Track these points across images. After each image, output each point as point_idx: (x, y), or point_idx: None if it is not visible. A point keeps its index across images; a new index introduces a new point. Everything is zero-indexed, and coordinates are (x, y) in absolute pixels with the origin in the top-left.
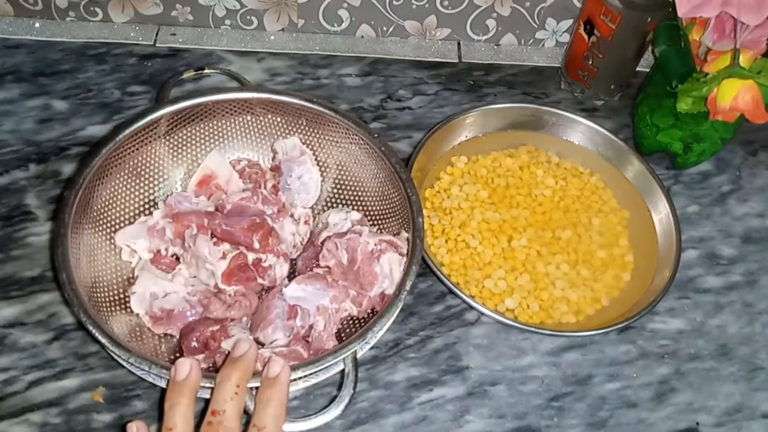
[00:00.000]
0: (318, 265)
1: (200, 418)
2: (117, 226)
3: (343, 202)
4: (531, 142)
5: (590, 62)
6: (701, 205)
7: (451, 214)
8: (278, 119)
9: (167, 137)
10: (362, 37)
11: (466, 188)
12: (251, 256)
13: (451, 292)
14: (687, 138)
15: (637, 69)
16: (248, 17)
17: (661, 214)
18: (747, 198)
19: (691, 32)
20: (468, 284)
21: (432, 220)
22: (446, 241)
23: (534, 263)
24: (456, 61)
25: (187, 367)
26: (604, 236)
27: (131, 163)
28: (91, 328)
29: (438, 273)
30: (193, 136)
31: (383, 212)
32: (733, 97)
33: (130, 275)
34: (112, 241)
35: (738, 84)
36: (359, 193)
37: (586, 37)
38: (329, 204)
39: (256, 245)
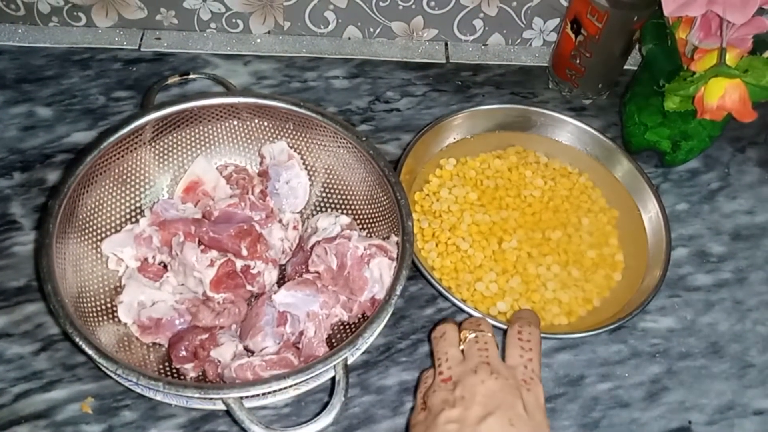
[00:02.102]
0: (307, 271)
1: None
2: (103, 235)
3: (332, 206)
4: (519, 142)
5: (577, 61)
6: (690, 203)
7: (440, 217)
8: (265, 123)
9: (153, 143)
10: (349, 38)
11: (456, 191)
12: (239, 263)
13: (442, 296)
14: (675, 136)
15: (625, 67)
16: (234, 20)
17: (650, 213)
18: (736, 195)
19: (678, 31)
20: (459, 288)
21: (422, 224)
22: (436, 245)
23: (525, 265)
24: (443, 61)
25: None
26: (594, 236)
27: (117, 171)
28: (77, 339)
29: (429, 277)
30: (179, 142)
31: (372, 216)
32: (720, 96)
33: (117, 284)
34: (99, 249)
35: (725, 83)
36: (348, 197)
37: (573, 36)
38: (318, 208)
39: (244, 252)
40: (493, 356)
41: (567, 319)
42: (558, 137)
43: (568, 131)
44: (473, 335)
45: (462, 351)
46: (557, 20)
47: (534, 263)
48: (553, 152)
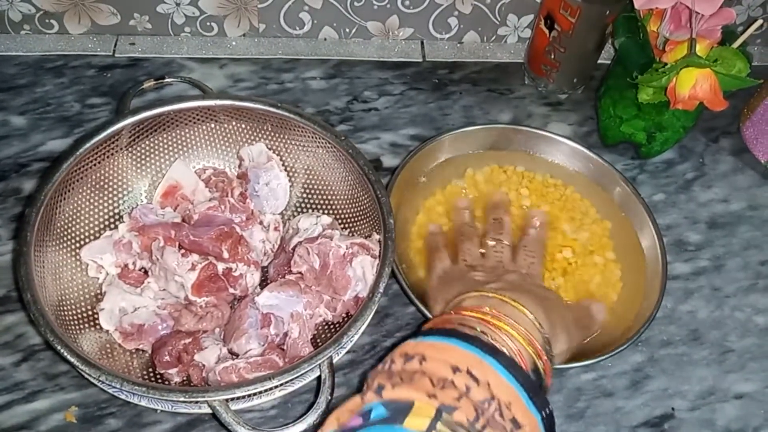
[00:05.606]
0: (290, 272)
1: None
2: (82, 242)
3: (313, 206)
4: (506, 161)
5: (552, 56)
6: (667, 193)
7: None
8: (243, 126)
9: (129, 149)
10: (325, 39)
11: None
12: (221, 266)
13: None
14: (650, 128)
15: (599, 62)
16: (208, 23)
17: (647, 239)
18: (711, 184)
19: (649, 23)
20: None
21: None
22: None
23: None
24: (420, 60)
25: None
26: (591, 247)
27: (94, 177)
28: (59, 347)
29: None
30: (156, 147)
31: (354, 215)
32: (691, 86)
33: (98, 291)
34: (78, 257)
35: (696, 73)
36: (329, 197)
37: (546, 31)
38: (299, 209)
39: (226, 255)
40: (507, 259)
41: None
42: (551, 158)
43: (562, 151)
44: (492, 243)
45: (482, 253)
46: (531, 16)
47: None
48: (533, 167)
